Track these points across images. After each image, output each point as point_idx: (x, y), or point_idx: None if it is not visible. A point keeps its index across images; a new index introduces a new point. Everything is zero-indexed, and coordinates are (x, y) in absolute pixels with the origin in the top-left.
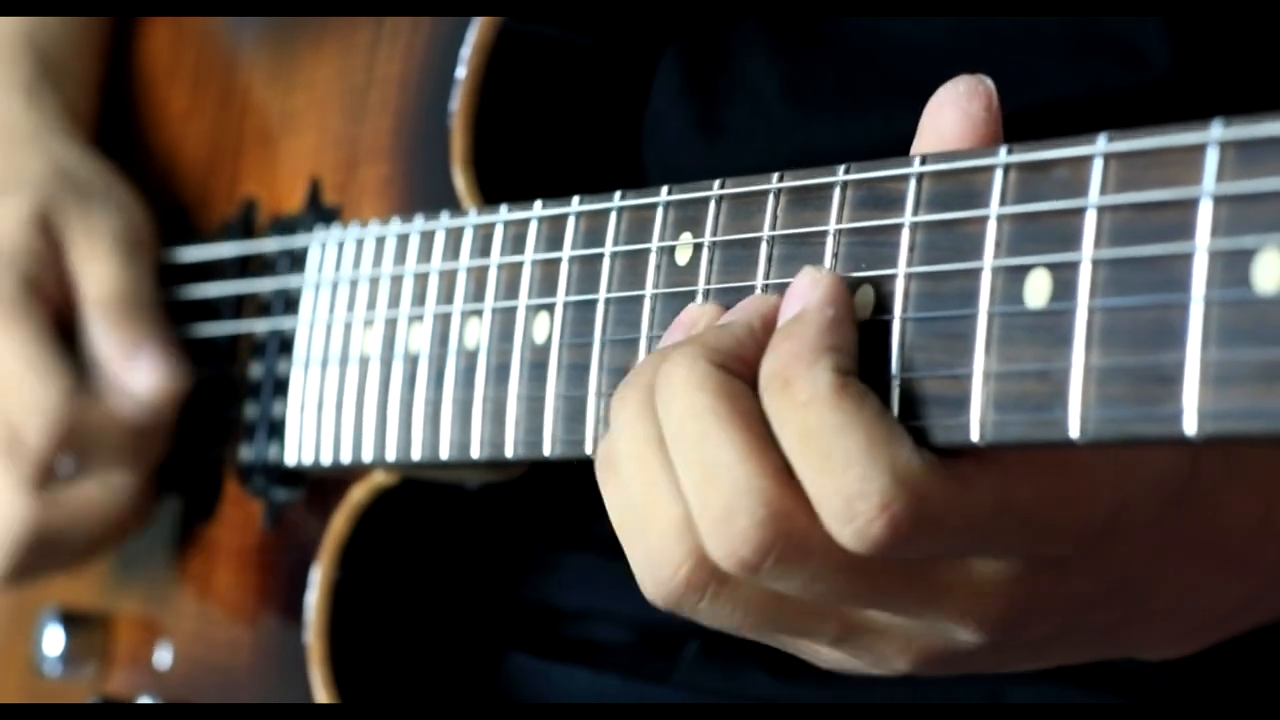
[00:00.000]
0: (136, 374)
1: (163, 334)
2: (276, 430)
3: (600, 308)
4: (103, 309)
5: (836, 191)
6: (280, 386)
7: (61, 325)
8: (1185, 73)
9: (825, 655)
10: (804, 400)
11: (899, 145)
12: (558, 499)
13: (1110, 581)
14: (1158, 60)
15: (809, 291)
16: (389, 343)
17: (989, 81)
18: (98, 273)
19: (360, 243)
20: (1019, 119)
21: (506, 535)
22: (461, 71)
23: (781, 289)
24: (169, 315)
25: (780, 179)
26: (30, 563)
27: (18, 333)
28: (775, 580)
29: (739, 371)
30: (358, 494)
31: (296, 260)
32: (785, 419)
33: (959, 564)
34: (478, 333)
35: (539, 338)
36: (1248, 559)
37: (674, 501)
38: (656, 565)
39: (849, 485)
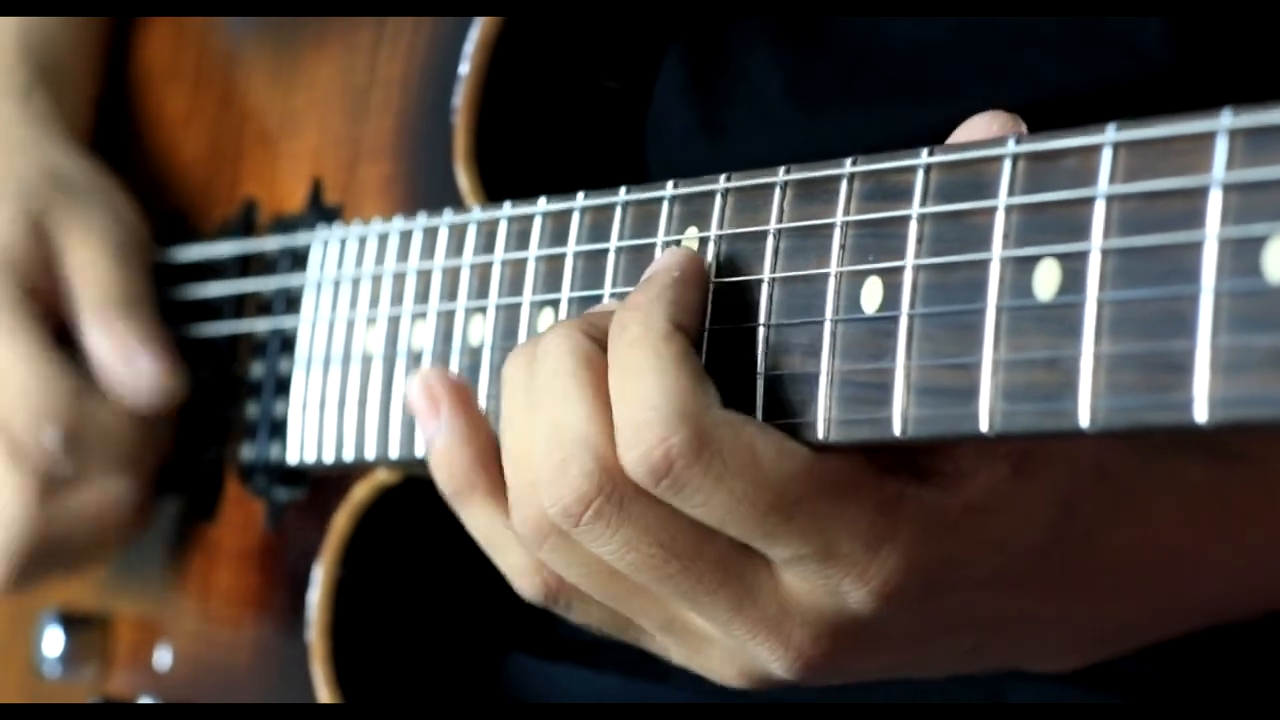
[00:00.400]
0: (135, 377)
1: (160, 336)
2: (278, 429)
3: (605, 302)
4: (99, 312)
5: (844, 184)
6: (282, 386)
7: (59, 329)
8: (1186, 70)
9: (664, 648)
10: (630, 340)
11: (901, 144)
12: None
13: (939, 627)
14: (1159, 58)
15: (664, 257)
16: (392, 341)
17: (1020, 121)
18: (93, 276)
19: (363, 240)
20: (1020, 117)
21: None
22: (464, 68)
23: (788, 282)
24: (165, 315)
25: (787, 172)
26: (34, 567)
27: (18, 340)
28: (594, 539)
29: (600, 337)
30: (360, 492)
31: (298, 259)
32: (615, 357)
33: (769, 573)
34: (482, 330)
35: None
36: (1123, 588)
37: (523, 460)
38: (515, 514)
39: (642, 414)
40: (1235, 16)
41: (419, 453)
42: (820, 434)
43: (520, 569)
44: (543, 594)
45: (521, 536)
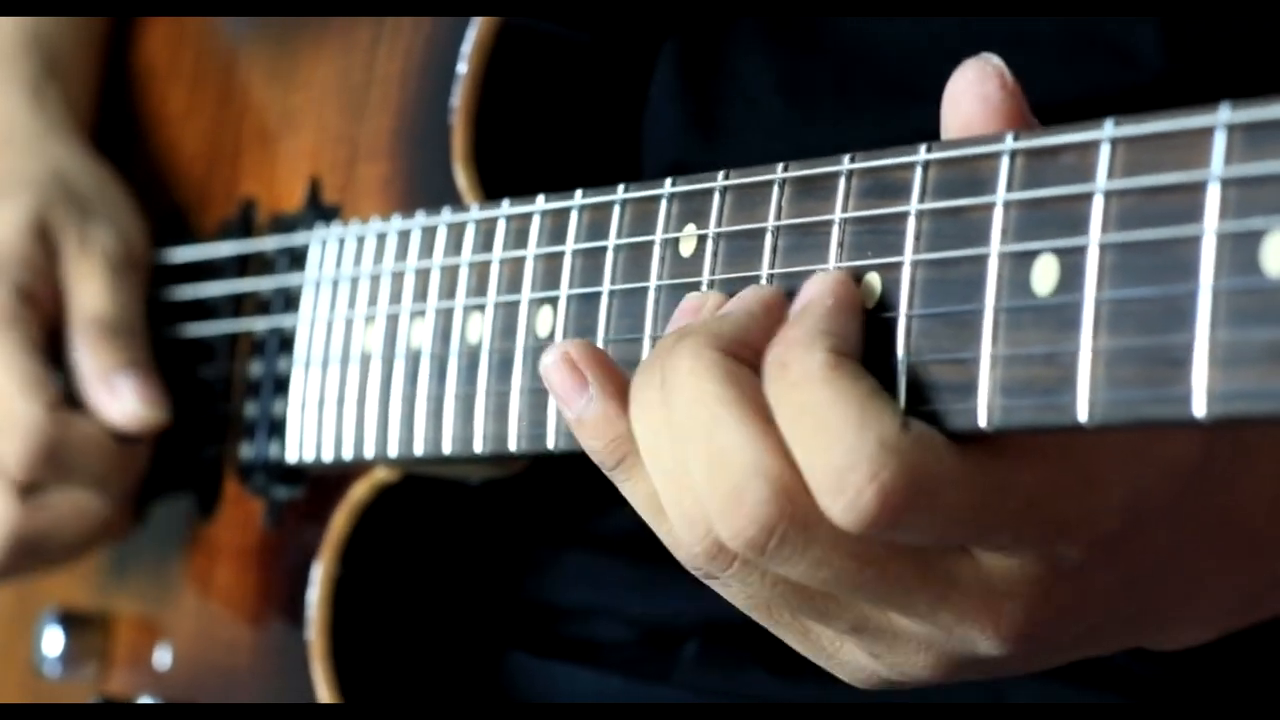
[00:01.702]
0: (113, 400)
1: (146, 362)
2: (277, 428)
3: (604, 301)
4: (88, 328)
5: (842, 181)
6: (280, 385)
7: (53, 332)
8: (1179, 73)
9: (849, 658)
10: (795, 379)
11: (895, 144)
12: (559, 496)
13: (1129, 575)
14: (1151, 61)
15: (813, 286)
16: (391, 339)
17: (996, 60)
18: (88, 291)
19: (361, 239)
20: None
21: (508, 532)
22: (463, 67)
23: (787, 279)
24: (164, 315)
25: (785, 169)
26: (14, 564)
27: (6, 344)
28: (782, 562)
29: (743, 357)
30: (359, 491)
31: (296, 258)
32: (781, 400)
33: (969, 558)
34: (480, 327)
35: (542, 331)
36: (1266, 541)
37: (685, 490)
38: (684, 548)
39: (839, 458)
40: (1227, 20)
41: (417, 451)
42: None
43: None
44: (717, 567)
45: (695, 568)
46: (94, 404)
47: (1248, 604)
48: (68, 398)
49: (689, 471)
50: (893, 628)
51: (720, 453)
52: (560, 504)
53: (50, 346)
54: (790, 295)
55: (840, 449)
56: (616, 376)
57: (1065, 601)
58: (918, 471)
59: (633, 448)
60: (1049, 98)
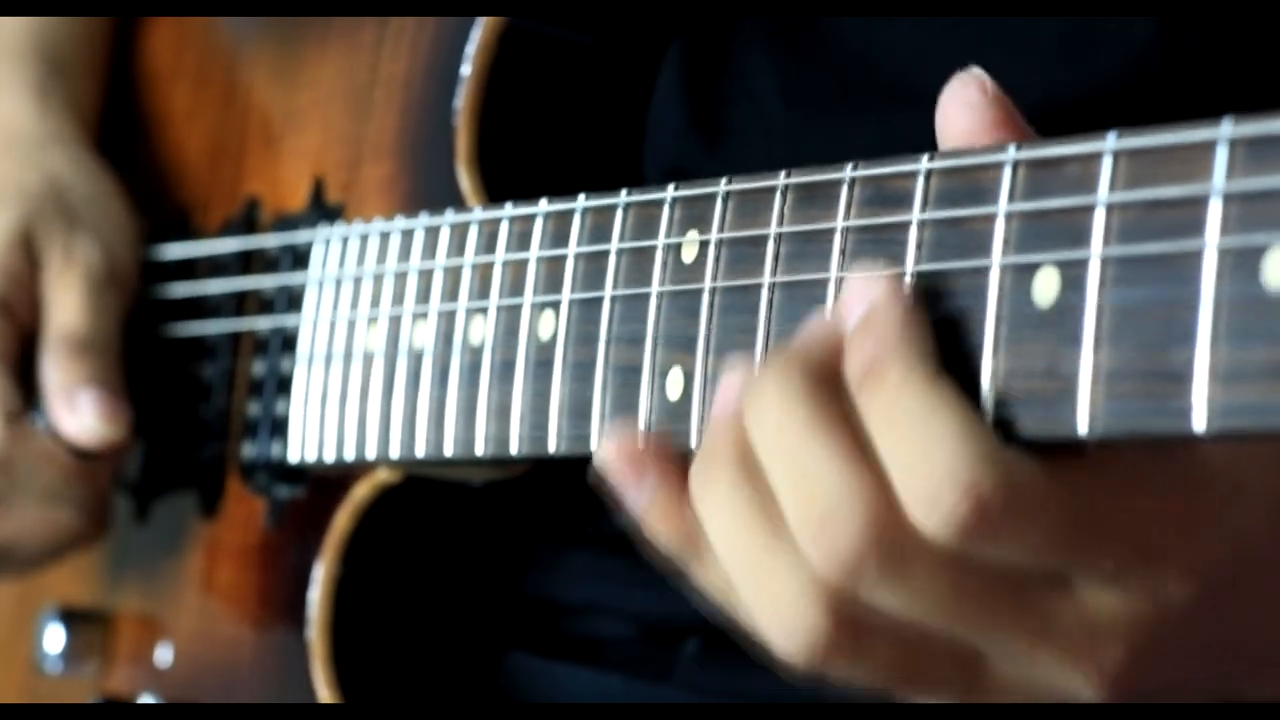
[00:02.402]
0: (72, 414)
1: (112, 380)
2: (279, 428)
3: (606, 305)
4: (57, 343)
5: (844, 189)
6: (283, 384)
7: (29, 345)
8: (1180, 73)
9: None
10: (897, 384)
11: (897, 149)
12: (561, 496)
13: (1238, 624)
14: (1152, 61)
15: (867, 292)
16: (393, 340)
17: (976, 69)
18: (65, 303)
19: (364, 239)
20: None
21: (509, 532)
22: (466, 69)
23: (788, 287)
24: (165, 313)
25: (788, 176)
26: None
27: None
28: (879, 591)
29: (828, 377)
30: (361, 491)
31: (300, 257)
32: (877, 407)
33: (1070, 596)
34: (483, 330)
35: (544, 335)
36: None
37: (775, 538)
38: (781, 621)
39: (938, 466)
40: (1229, 20)
41: (419, 453)
42: None
43: (783, 622)
44: (818, 649)
45: (793, 653)
46: (53, 418)
47: None
48: (36, 410)
49: (781, 516)
50: (996, 677)
51: (810, 478)
52: (561, 503)
53: (24, 357)
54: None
55: (940, 458)
56: (674, 464)
57: (1171, 648)
58: (1016, 483)
59: (700, 535)
60: (1051, 99)
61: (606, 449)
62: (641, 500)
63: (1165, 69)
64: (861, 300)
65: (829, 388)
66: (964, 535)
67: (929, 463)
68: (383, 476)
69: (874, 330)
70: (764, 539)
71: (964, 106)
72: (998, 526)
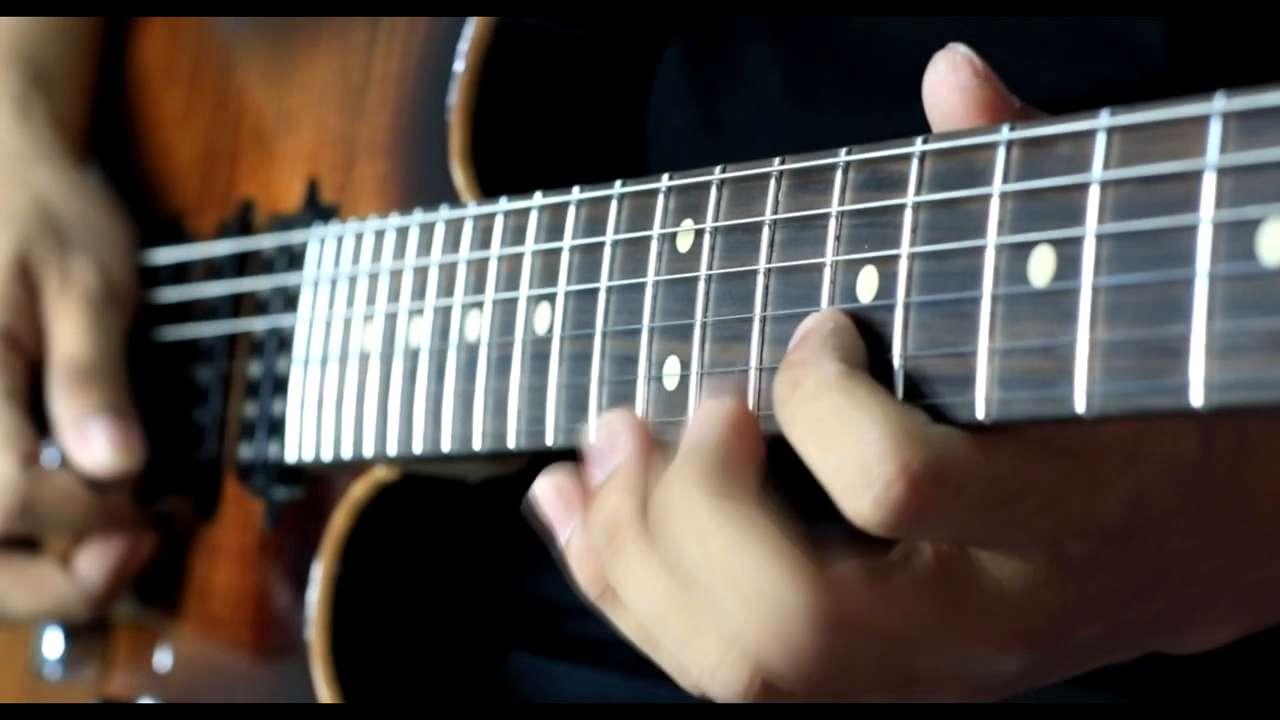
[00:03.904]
0: (85, 447)
1: (119, 404)
2: (276, 428)
3: (602, 296)
4: (64, 373)
5: (838, 174)
6: (279, 384)
7: (37, 375)
8: (1185, 71)
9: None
10: (811, 392)
11: None
12: None
13: (1144, 574)
14: (1157, 59)
15: (808, 321)
16: (389, 337)
17: (963, 48)
18: (66, 330)
19: (359, 237)
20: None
21: (508, 531)
22: (459, 66)
23: (784, 273)
24: (164, 317)
25: (782, 163)
26: None
27: None
28: (832, 673)
29: (733, 474)
30: (359, 490)
31: (295, 258)
32: (796, 416)
33: (991, 584)
34: (479, 325)
35: (540, 328)
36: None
37: (693, 602)
38: (712, 674)
39: (866, 452)
40: (1234, 19)
41: (416, 449)
42: None
43: (714, 675)
44: (754, 694)
45: (706, 673)
46: (67, 451)
47: (1263, 603)
48: (50, 444)
49: (691, 614)
50: (932, 679)
51: (748, 587)
52: None
53: (33, 388)
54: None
55: (867, 442)
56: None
57: (1076, 603)
58: (944, 462)
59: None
60: (1056, 96)
61: (541, 485)
62: (562, 539)
63: (1171, 69)
64: (802, 328)
65: (733, 481)
66: (899, 514)
67: (856, 451)
68: (380, 475)
69: (797, 348)
70: (682, 602)
71: (954, 90)
72: (929, 504)
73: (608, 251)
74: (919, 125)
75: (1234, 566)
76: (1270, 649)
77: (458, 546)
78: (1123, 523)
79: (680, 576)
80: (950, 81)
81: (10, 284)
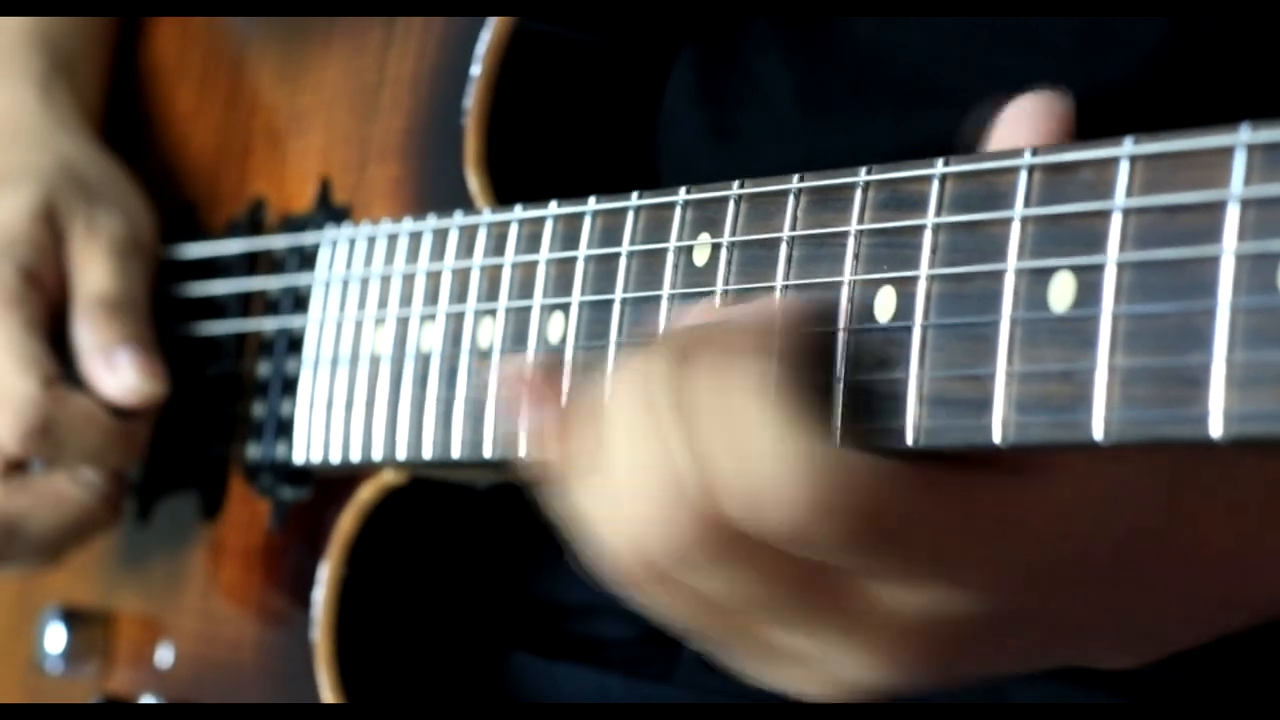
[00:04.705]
0: (111, 373)
1: (147, 338)
2: (284, 429)
3: (616, 308)
4: (89, 306)
5: (858, 192)
6: (288, 385)
7: (57, 317)
8: (1194, 72)
9: (748, 669)
10: (730, 387)
11: (911, 149)
12: None
13: (1062, 613)
14: (1166, 60)
15: (761, 300)
16: (400, 342)
17: (1059, 99)
18: (92, 270)
19: (372, 240)
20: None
21: (513, 534)
22: (476, 69)
23: (800, 291)
24: (170, 312)
25: (801, 179)
26: None
27: (7, 323)
28: (696, 577)
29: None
30: (366, 493)
31: (306, 258)
32: (706, 402)
33: (872, 590)
34: (491, 332)
35: (554, 338)
36: (1208, 578)
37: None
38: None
39: (758, 465)
40: (1240, 20)
41: (426, 455)
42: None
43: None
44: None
45: (618, 577)
46: (92, 378)
47: (1184, 629)
48: (69, 378)
49: (613, 483)
50: (791, 652)
51: (639, 466)
52: None
53: (54, 329)
54: None
55: (760, 458)
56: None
57: (980, 638)
58: (833, 487)
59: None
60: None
61: (507, 369)
62: (543, 415)
63: (1178, 68)
64: (754, 304)
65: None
66: (775, 534)
67: (749, 462)
68: (388, 478)
69: (744, 326)
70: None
71: (1031, 134)
72: (809, 527)
73: (623, 263)
74: (930, 130)
75: (1159, 610)
76: (1270, 649)
77: (462, 549)
78: (1043, 565)
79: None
80: (1031, 126)
81: (34, 226)
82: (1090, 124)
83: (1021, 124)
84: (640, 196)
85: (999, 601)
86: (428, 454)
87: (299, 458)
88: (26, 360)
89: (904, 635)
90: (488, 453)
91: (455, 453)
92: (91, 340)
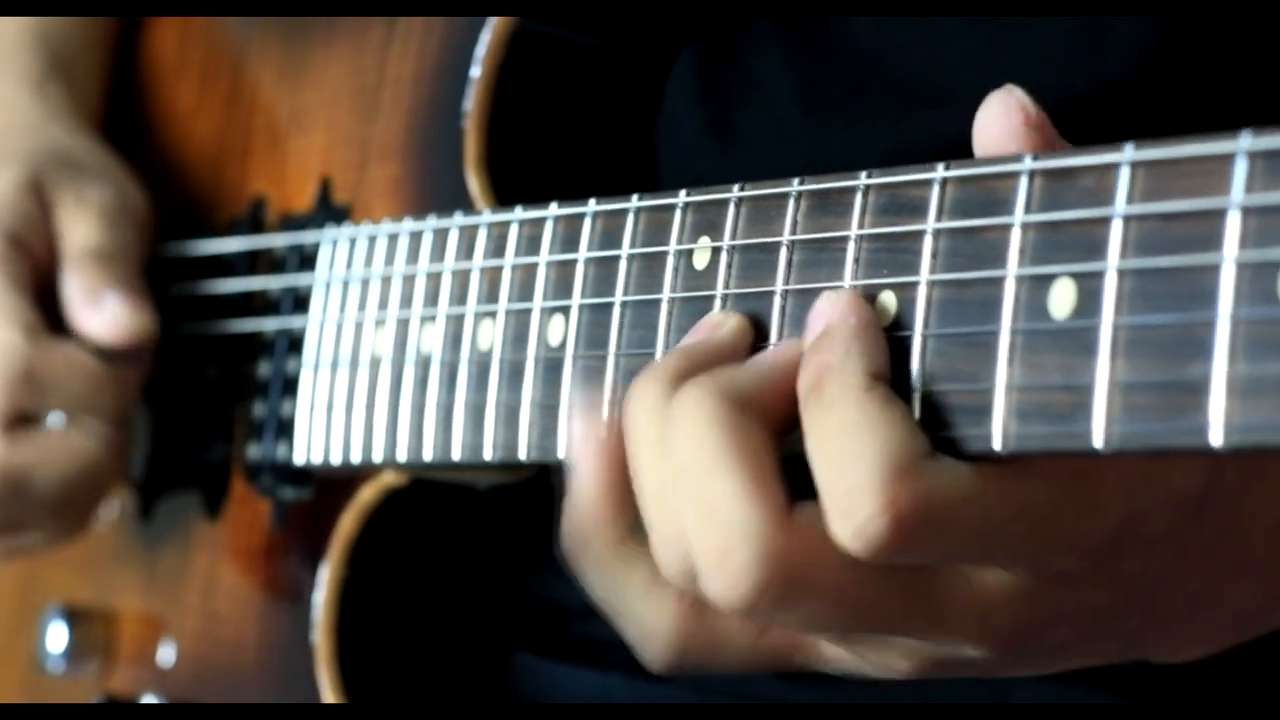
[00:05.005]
0: (98, 315)
1: (134, 283)
2: (285, 429)
3: (616, 311)
4: (77, 257)
5: (858, 197)
6: (289, 385)
7: (48, 286)
8: (1191, 72)
9: (832, 655)
10: (830, 401)
11: (909, 151)
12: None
13: (1121, 593)
14: (1164, 60)
15: (829, 309)
16: (401, 343)
17: (1018, 92)
18: (80, 229)
19: (372, 241)
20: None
21: (514, 535)
22: (476, 71)
23: (801, 295)
24: (170, 311)
25: (801, 183)
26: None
27: None
28: (774, 616)
29: (751, 411)
30: (366, 494)
31: (306, 259)
32: (813, 422)
33: (962, 583)
34: (491, 334)
35: (554, 340)
36: (1264, 563)
37: (679, 535)
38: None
39: (854, 479)
40: (1237, 20)
41: (426, 457)
42: None
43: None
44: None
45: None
46: (80, 323)
47: (1244, 623)
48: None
49: (680, 519)
50: (879, 644)
51: (712, 505)
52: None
53: (41, 294)
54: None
55: (859, 472)
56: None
57: (1049, 612)
58: (934, 498)
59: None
60: (1062, 98)
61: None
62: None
63: (1175, 68)
64: (822, 318)
65: (751, 420)
66: (876, 550)
67: (848, 477)
68: (389, 479)
69: (823, 346)
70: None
71: (1005, 134)
72: (911, 539)
73: (623, 265)
74: (930, 131)
75: (1216, 592)
76: (1270, 649)
77: (464, 550)
78: (1109, 544)
79: (669, 470)
80: (1002, 125)
81: (20, 195)
82: (1089, 123)
83: (988, 130)
84: (640, 199)
85: (1098, 561)
86: (428, 456)
87: (299, 458)
88: (7, 311)
89: (989, 614)
90: (488, 455)
91: (456, 455)
92: (78, 286)
